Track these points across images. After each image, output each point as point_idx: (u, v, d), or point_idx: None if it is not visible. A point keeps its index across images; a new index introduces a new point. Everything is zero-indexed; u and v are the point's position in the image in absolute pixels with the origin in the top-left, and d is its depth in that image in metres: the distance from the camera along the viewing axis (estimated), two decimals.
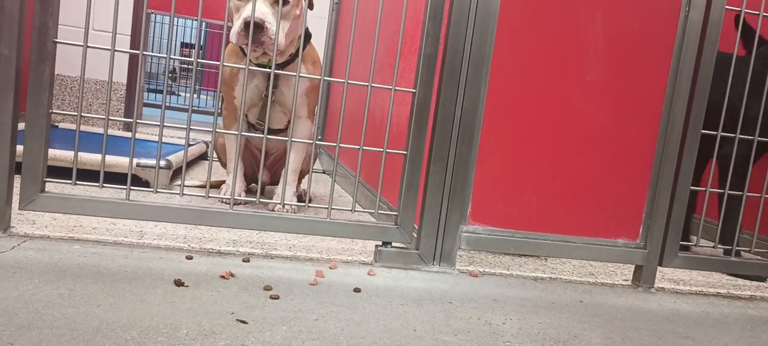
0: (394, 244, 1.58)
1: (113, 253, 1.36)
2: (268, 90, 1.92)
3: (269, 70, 1.58)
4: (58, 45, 1.35)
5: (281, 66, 1.96)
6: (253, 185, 2.35)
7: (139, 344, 0.91)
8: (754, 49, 1.77)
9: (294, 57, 1.97)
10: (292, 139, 1.59)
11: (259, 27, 1.70)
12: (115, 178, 2.11)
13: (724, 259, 1.75)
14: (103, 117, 1.41)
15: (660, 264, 1.69)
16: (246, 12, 1.73)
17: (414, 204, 1.56)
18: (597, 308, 1.43)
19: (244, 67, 1.78)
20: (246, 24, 1.70)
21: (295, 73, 1.52)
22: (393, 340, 1.07)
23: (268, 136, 1.57)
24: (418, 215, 1.59)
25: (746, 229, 2.22)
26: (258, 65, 1.93)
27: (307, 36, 1.98)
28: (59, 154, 2.06)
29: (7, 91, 1.33)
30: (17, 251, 1.28)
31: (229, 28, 1.81)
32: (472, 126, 1.55)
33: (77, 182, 1.42)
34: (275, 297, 1.20)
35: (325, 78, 1.56)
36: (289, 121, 2.09)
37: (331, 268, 1.47)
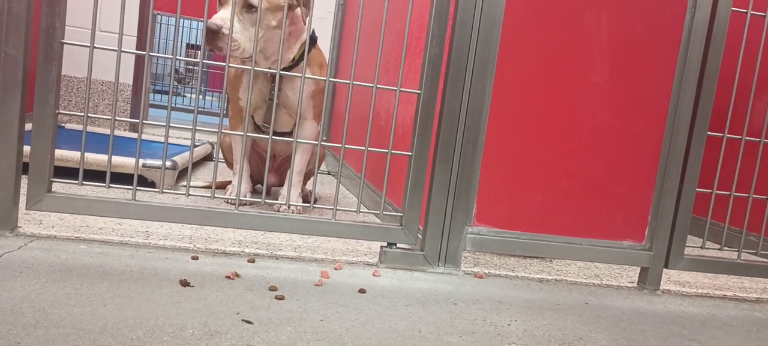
0: (399, 245, 1.58)
1: (119, 253, 1.37)
2: (273, 93, 1.93)
3: (274, 72, 1.58)
4: (64, 46, 1.36)
5: (285, 70, 1.97)
6: (259, 185, 2.36)
7: (144, 343, 0.92)
8: None
9: (298, 61, 1.99)
10: (298, 140, 1.59)
11: (215, 32, 1.75)
12: (121, 178, 2.12)
13: (730, 261, 1.74)
14: (110, 118, 1.41)
15: (666, 266, 1.68)
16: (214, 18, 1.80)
17: (419, 205, 1.56)
18: (602, 310, 1.43)
19: (248, 68, 1.79)
20: (207, 29, 1.77)
21: (298, 75, 1.52)
22: (398, 341, 1.07)
23: (274, 137, 1.57)
24: (423, 216, 1.59)
25: (752, 231, 2.21)
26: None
27: (313, 40, 2.00)
28: (66, 155, 2.07)
29: (15, 91, 1.34)
30: (24, 251, 1.29)
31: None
32: (477, 127, 1.55)
33: (84, 183, 1.43)
34: (280, 298, 1.20)
35: (330, 79, 1.56)
36: (295, 124, 2.10)
37: (336, 269, 1.47)
